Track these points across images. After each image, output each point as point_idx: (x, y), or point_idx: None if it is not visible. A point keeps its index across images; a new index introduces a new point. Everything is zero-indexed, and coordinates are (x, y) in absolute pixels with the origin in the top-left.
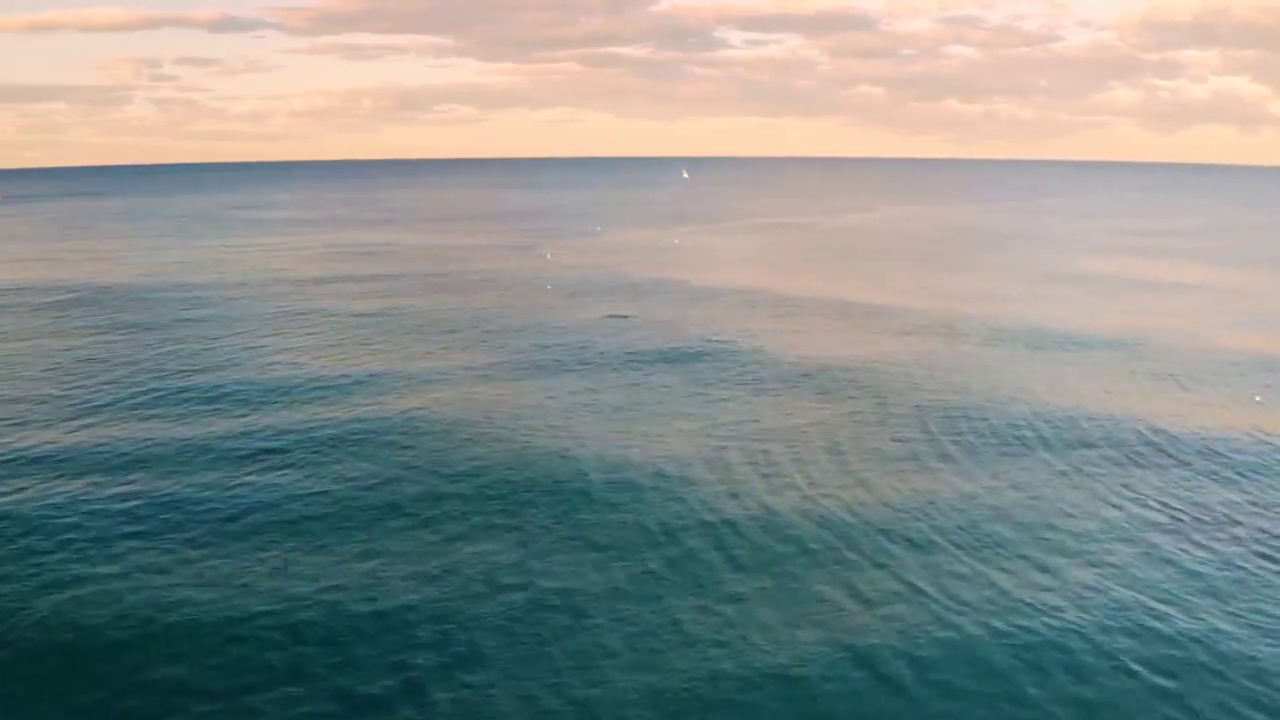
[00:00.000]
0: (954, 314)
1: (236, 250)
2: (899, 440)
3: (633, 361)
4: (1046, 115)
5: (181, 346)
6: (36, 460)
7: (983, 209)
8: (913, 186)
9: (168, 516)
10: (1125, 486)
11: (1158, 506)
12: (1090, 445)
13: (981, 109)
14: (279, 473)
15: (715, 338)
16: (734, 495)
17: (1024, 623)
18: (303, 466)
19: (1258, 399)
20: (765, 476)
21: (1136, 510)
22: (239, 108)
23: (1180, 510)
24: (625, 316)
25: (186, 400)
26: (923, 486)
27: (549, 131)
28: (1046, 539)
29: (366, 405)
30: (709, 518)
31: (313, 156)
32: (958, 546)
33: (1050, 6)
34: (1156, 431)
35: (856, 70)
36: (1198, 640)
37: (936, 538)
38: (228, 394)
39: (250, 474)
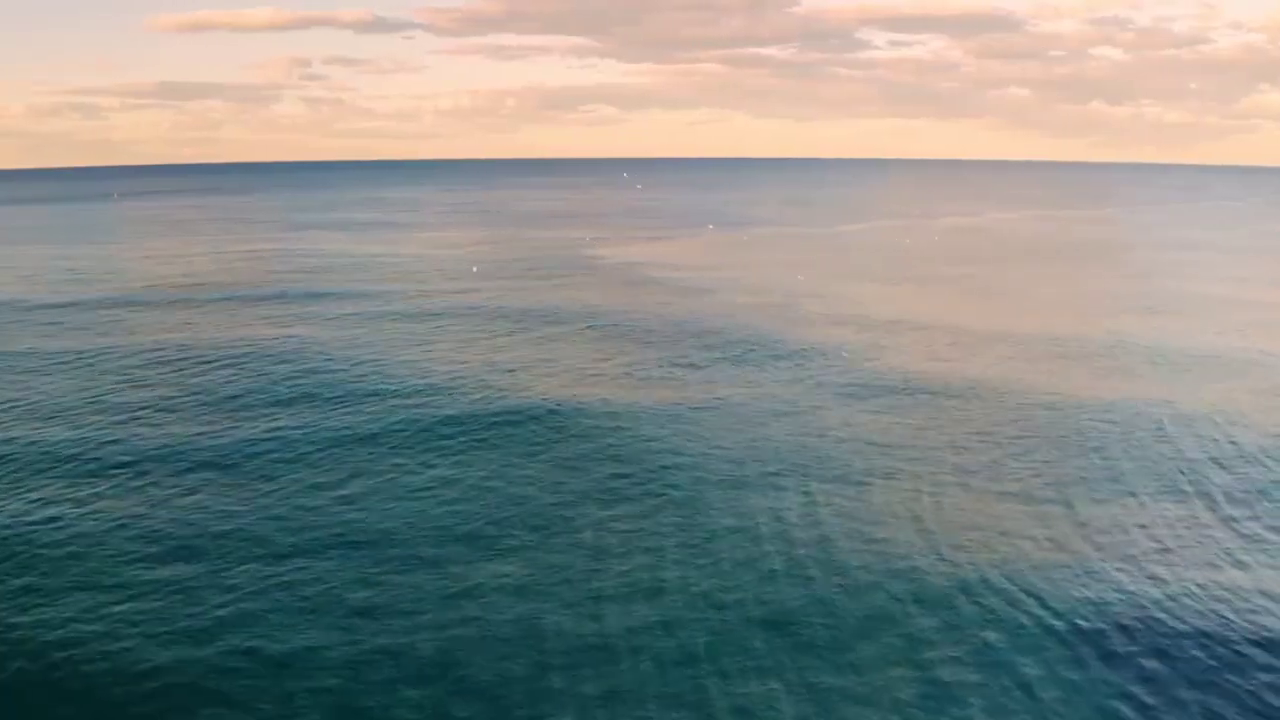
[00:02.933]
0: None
1: (396, 244)
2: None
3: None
4: (1196, 119)
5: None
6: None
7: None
8: (1099, 191)
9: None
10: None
11: None
12: None
13: (1129, 112)
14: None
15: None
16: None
17: None
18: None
19: None
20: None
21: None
22: (386, 107)
23: None
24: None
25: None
26: None
27: (690, 132)
28: None
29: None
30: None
31: (459, 155)
32: None
33: (1199, 8)
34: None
35: (1002, 72)
36: None
37: None
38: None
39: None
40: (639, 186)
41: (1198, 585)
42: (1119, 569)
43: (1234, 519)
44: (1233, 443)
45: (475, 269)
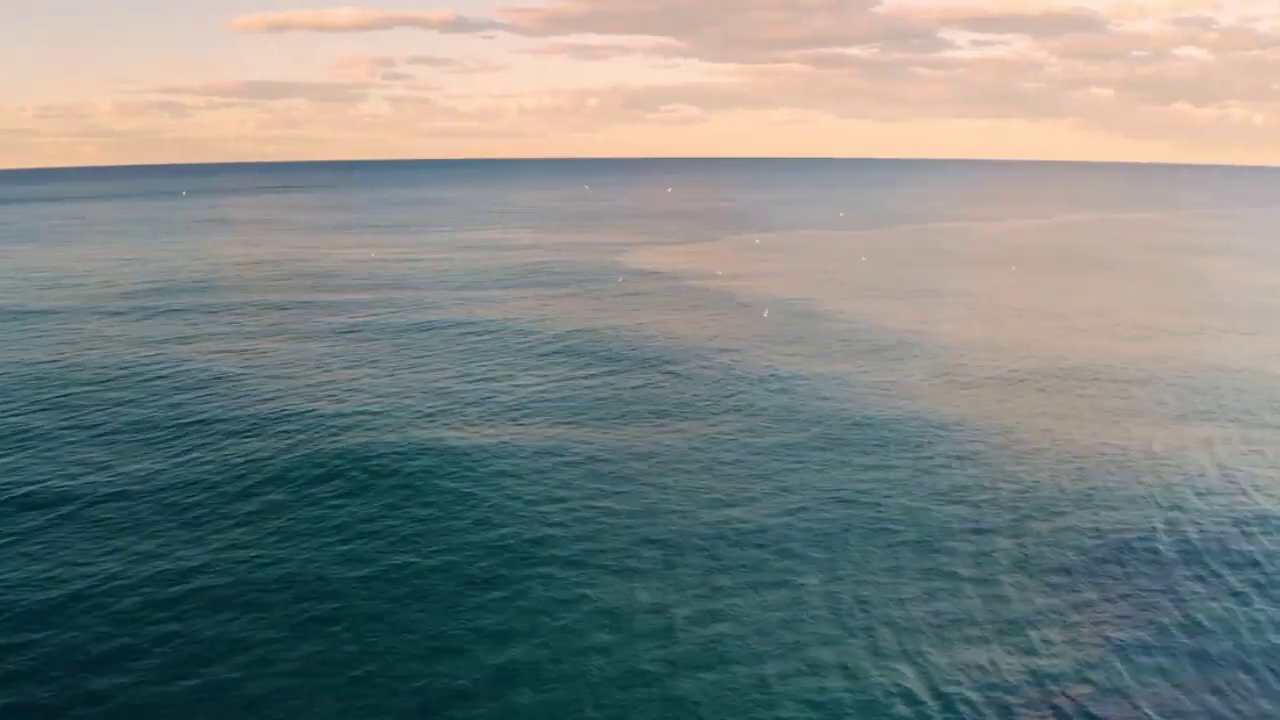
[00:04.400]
0: None
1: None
2: None
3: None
4: None
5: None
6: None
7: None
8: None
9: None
10: None
11: None
12: None
13: (1214, 113)
14: None
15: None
16: None
17: None
18: None
19: None
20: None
21: None
22: (469, 106)
23: None
24: None
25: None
26: None
27: (772, 132)
28: None
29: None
30: None
31: (542, 154)
32: None
33: None
34: None
35: (1085, 72)
36: None
37: None
38: None
39: None
40: (669, 190)
41: None
42: None
43: None
44: None
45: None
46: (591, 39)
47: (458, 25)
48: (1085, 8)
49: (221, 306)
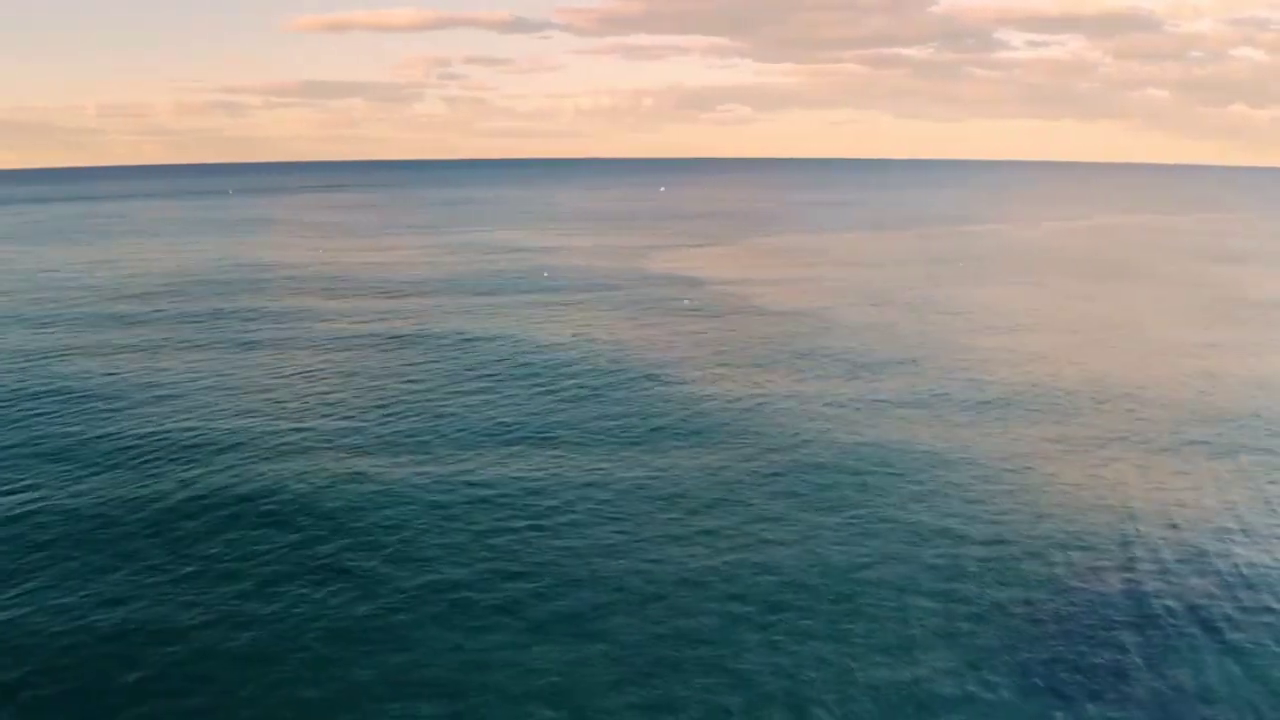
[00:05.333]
0: None
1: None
2: None
3: None
4: None
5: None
6: None
7: None
8: None
9: None
10: None
11: None
12: None
13: (1271, 115)
14: None
15: None
16: None
17: None
18: None
19: None
20: None
21: None
22: (525, 106)
23: None
24: None
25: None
26: None
27: (828, 132)
28: None
29: None
30: None
31: (598, 154)
32: None
33: None
34: None
35: (1141, 73)
36: None
37: None
38: None
39: None
40: (662, 189)
41: None
42: None
43: None
44: None
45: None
46: (646, 39)
47: (515, 26)
48: (1141, 8)
49: (179, 315)
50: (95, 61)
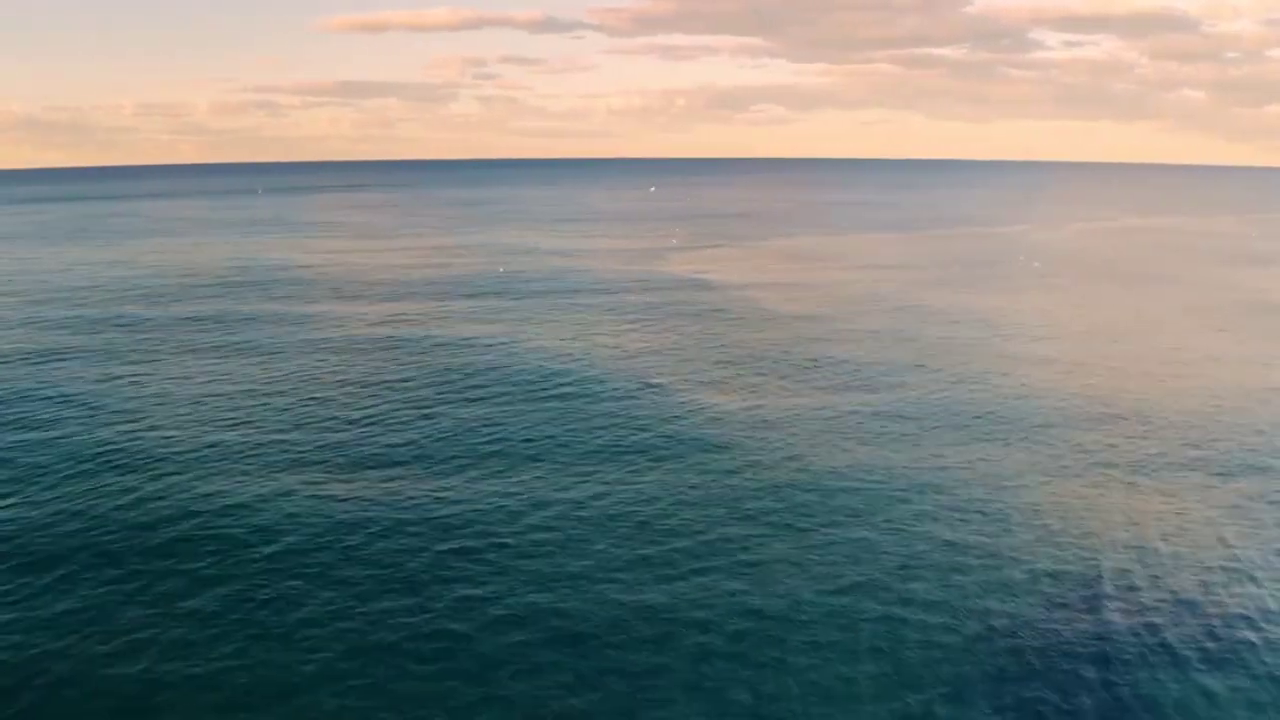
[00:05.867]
0: None
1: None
2: None
3: None
4: None
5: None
6: None
7: None
8: None
9: None
10: None
11: None
12: None
13: None
14: None
15: None
16: None
17: None
18: None
19: None
20: None
21: None
22: (558, 106)
23: None
24: None
25: None
26: None
27: (862, 133)
28: None
29: None
30: None
31: (630, 154)
32: None
33: None
34: None
35: (1177, 73)
36: None
37: None
38: None
39: None
40: (652, 189)
41: None
42: None
43: None
44: None
45: None
46: (679, 39)
47: (548, 25)
48: (1177, 7)
49: (172, 319)
50: (133, 60)
